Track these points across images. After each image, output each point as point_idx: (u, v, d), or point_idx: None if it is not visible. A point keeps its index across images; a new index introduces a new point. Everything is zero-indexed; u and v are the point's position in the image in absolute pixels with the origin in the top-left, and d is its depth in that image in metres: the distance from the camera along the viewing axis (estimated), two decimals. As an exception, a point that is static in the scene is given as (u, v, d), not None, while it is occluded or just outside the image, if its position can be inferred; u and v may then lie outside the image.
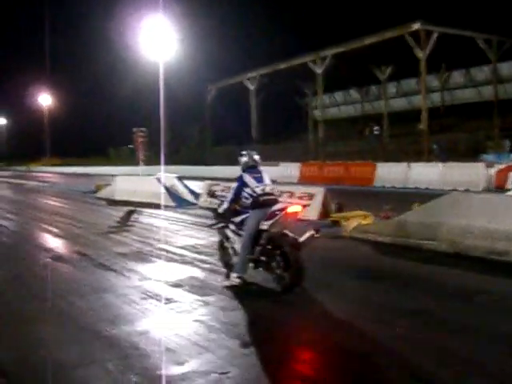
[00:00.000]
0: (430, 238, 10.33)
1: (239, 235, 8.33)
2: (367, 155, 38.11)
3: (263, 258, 7.94)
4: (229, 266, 8.75)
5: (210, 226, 9.93)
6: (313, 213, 14.95)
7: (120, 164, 56.08)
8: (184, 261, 10.34)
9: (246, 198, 8.18)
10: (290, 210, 7.92)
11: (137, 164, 27.53)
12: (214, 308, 7.28)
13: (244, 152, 8.76)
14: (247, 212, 8.17)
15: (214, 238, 10.27)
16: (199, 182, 23.43)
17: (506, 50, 36.69)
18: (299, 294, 7.69)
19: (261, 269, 8.10)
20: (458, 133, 37.81)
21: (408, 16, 36.11)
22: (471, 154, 34.25)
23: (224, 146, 52.86)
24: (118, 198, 22.93)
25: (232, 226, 8.56)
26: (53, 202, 25.03)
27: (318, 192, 15.41)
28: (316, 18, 58.95)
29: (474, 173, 23.00)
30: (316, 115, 54.06)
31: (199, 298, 7.73)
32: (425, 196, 17.79)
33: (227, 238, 8.76)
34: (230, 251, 8.67)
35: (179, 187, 21.44)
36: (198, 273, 9.30)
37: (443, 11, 41.32)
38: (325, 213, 14.83)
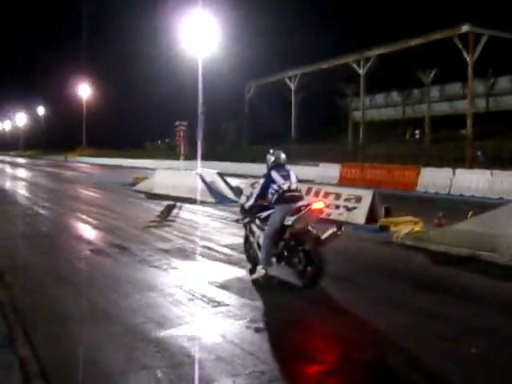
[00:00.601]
0: (489, 250, 9.78)
1: (264, 230, 8.46)
2: (408, 159, 37.30)
3: (286, 253, 8.18)
4: (253, 260, 8.97)
5: (236, 221, 10.47)
6: (360, 216, 14.46)
7: (157, 158, 56.03)
8: (230, 261, 9.97)
9: (272, 194, 8.41)
10: (314, 206, 8.10)
11: (176, 158, 27.32)
12: (263, 313, 6.90)
13: (271, 151, 9.06)
14: (273, 208, 8.38)
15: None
16: (239, 179, 23.11)
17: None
18: (354, 304, 7.27)
19: (283, 263, 8.24)
20: (502, 140, 36.83)
21: (456, 18, 35.25)
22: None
23: (262, 145, 52.50)
24: (156, 191, 22.72)
25: (257, 221, 8.76)
26: (91, 193, 24.91)
27: (366, 195, 14.87)
28: (361, 18, 57.94)
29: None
30: (356, 116, 53.34)
31: (249, 301, 7.36)
32: (474, 204, 17.25)
33: (253, 233, 8.93)
34: (255, 246, 8.81)
35: (220, 183, 21.12)
36: (245, 274, 8.91)
37: (493, 14, 40.29)
38: (373, 217, 14.30)
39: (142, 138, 79.42)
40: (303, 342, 6.01)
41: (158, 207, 18.47)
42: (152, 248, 11.16)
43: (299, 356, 5.59)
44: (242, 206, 9.24)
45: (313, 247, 7.81)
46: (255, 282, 8.45)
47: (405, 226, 12.64)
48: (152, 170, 30.36)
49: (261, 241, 8.50)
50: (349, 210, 14.91)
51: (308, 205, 8.09)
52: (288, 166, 8.91)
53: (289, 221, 8.09)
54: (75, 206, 19.52)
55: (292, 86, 50.65)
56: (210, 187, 20.43)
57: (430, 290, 8.20)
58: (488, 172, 23.87)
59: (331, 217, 15.14)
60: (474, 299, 7.73)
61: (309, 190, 16.60)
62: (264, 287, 8.19)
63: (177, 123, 26.35)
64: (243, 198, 9.28)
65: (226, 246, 11.36)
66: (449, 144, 38.93)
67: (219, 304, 7.20)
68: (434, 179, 25.68)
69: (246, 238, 9.23)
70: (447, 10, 44.12)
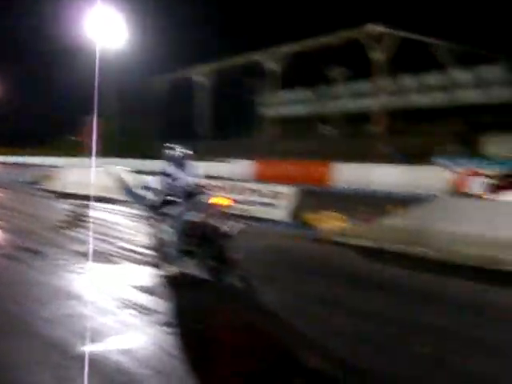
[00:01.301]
0: (418, 244, 9.68)
1: (171, 226, 8.40)
2: (319, 155, 37.61)
3: (195, 249, 8.13)
4: (163, 258, 8.72)
5: (145, 218, 9.95)
6: (282, 213, 14.16)
7: (64, 154, 54.05)
8: (152, 262, 9.31)
9: (178, 190, 8.45)
10: (219, 201, 8.23)
11: (85, 155, 26.23)
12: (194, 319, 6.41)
13: (174, 146, 8.97)
14: (179, 203, 8.40)
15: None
16: (151, 176, 22.33)
17: (460, 57, 36.69)
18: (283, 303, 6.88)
19: (192, 259, 8.21)
20: (410, 136, 37.73)
21: (365, 17, 35.74)
22: (424, 157, 34.17)
23: (172, 140, 51.60)
24: (67, 190, 21.71)
25: (165, 218, 8.66)
26: (-5, 194, 23.51)
27: (288, 190, 14.58)
28: (272, 15, 57.83)
29: (436, 176, 22.63)
30: (268, 113, 53.40)
31: (176, 308, 6.85)
32: (391, 199, 17.33)
33: (160, 230, 8.82)
34: (163, 242, 8.69)
35: (131, 181, 20.29)
36: (170, 277, 8.38)
37: (401, 14, 41.09)
38: (296, 213, 14.01)
39: (47, 134, 76.32)
40: (242, 349, 5.57)
41: (69, 207, 17.56)
42: (68, 251, 10.40)
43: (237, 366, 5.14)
44: (149, 203, 9.19)
45: (221, 242, 7.82)
46: (170, 280, 8.13)
47: (330, 222, 12.44)
48: (59, 167, 29.05)
49: (169, 237, 8.44)
50: (270, 206, 14.61)
51: (214, 200, 8.23)
52: (192, 162, 8.91)
53: (196, 216, 8.12)
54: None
55: (202, 81, 50.03)
56: (123, 185, 19.64)
57: (365, 287, 7.96)
58: (401, 167, 24.25)
59: (252, 213, 14.81)
60: (407, 295, 7.59)
61: (227, 186, 16.21)
62: (182, 286, 7.88)
63: (85, 118, 25.28)
64: (150, 195, 9.17)
65: (145, 246, 10.66)
66: (358, 140, 39.52)
67: (150, 312, 6.62)
68: (349, 174, 25.87)
69: (154, 235, 9.11)
70: (357, 9, 44.60)
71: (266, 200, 14.77)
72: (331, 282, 8.30)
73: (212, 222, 8.01)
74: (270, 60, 41.61)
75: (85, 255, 9.97)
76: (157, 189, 8.87)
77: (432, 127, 38.80)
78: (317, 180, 26.82)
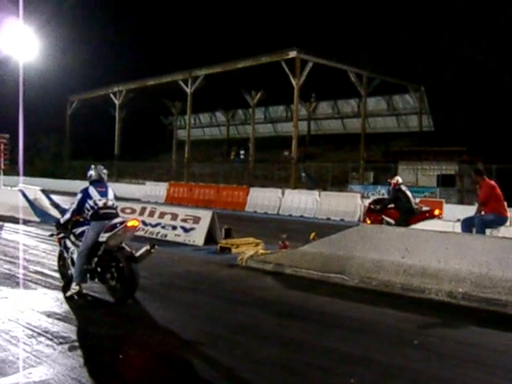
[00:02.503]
0: (338, 272, 9.69)
1: (78, 246, 8.43)
2: (233, 179, 37.77)
3: (99, 269, 8.22)
4: (67, 277, 8.80)
5: (51, 235, 9.99)
6: (198, 238, 13.95)
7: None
8: (61, 286, 8.90)
9: (88, 210, 8.36)
10: (129, 223, 8.10)
11: None
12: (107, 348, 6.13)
13: (93, 166, 9.00)
14: (88, 223, 8.38)
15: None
16: (63, 196, 21.72)
17: (375, 86, 37.68)
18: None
19: (97, 279, 8.31)
20: (323, 162, 38.43)
21: (284, 43, 36.14)
22: (337, 183, 34.81)
23: (83, 160, 50.64)
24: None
25: (72, 237, 8.69)
26: None
27: (205, 215, 14.38)
28: (189, 37, 57.75)
29: (350, 203, 23.01)
30: (181, 135, 53.21)
31: (91, 336, 6.57)
32: (303, 224, 17.46)
33: (67, 249, 8.78)
34: (69, 261, 8.70)
35: (44, 201, 19.57)
36: (84, 302, 8.12)
37: (320, 42, 41.91)
38: (211, 238, 13.86)
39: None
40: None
41: (-26, 227, 16.74)
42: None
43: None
44: (58, 221, 9.04)
45: (126, 264, 7.89)
46: (77, 303, 8.01)
47: (246, 248, 12.34)
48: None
49: (75, 257, 8.40)
50: (186, 230, 14.37)
51: (123, 222, 8.11)
52: (107, 183, 8.98)
53: (103, 237, 8.07)
54: None
55: (116, 101, 49.22)
56: (34, 205, 18.90)
57: (284, 316, 7.74)
58: (316, 193, 24.55)
59: (167, 238, 14.58)
60: (327, 323, 7.45)
61: (143, 210, 15.94)
62: (91, 309, 7.81)
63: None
64: (58, 214, 9.45)
65: (55, 269, 10.25)
66: (274, 165, 39.90)
67: (65, 341, 6.28)
68: (262, 199, 25.94)
69: (60, 255, 9.07)
70: (276, 35, 45.24)
71: (184, 225, 14.53)
72: (244, 309, 8.18)
73: (116, 243, 8.09)
74: (188, 81, 41.28)
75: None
76: (66, 208, 8.90)
77: (344, 153, 39.74)
78: (233, 204, 26.83)
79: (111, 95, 49.44)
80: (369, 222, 14.58)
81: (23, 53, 32.30)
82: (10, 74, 36.97)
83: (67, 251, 8.74)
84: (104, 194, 8.50)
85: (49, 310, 7.58)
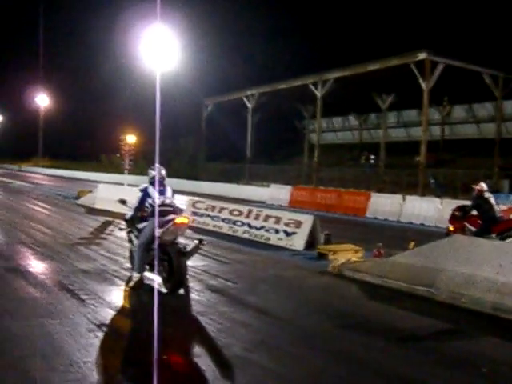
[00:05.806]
0: (427, 285, 9.21)
1: (138, 240, 9.17)
2: (361, 184, 37.13)
3: (154, 262, 8.73)
4: (131, 267, 9.56)
5: (120, 230, 11.36)
6: (299, 242, 13.86)
7: (111, 171, 54.81)
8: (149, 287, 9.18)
9: (147, 208, 9.10)
10: (178, 220, 8.70)
11: (130, 173, 26.49)
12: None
13: (153, 166, 9.64)
14: (149, 220, 8.98)
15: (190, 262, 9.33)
16: (186, 197, 22.31)
17: (511, 88, 35.71)
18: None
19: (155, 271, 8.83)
20: (456, 168, 36.87)
21: (414, 45, 35.11)
22: (468, 191, 33.27)
23: (217, 162, 51.91)
24: (97, 206, 21.88)
25: (135, 232, 9.46)
26: (30, 205, 23.86)
27: (306, 220, 14.26)
28: (320, 41, 57.80)
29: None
30: (312, 139, 53.15)
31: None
32: (421, 233, 16.84)
33: (132, 242, 9.64)
34: (133, 254, 9.41)
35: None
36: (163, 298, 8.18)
37: (451, 43, 40.43)
38: (312, 243, 13.70)
39: (98, 151, 77.86)
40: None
41: (94, 223, 17.65)
42: (72, 268, 10.40)
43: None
44: (125, 217, 9.86)
45: (175, 258, 8.55)
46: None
47: (343, 255, 12.09)
48: (98, 183, 29.41)
49: (136, 249, 9.15)
50: (288, 234, 14.32)
51: (174, 219, 8.69)
52: (166, 182, 9.55)
53: (158, 232, 8.64)
54: (9, 217, 18.55)
55: (249, 105, 50.03)
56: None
57: (357, 330, 7.40)
58: (438, 200, 23.57)
59: (270, 241, 14.58)
60: (403, 343, 6.97)
61: (249, 212, 16.04)
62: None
63: (122, 137, 25.60)
64: (127, 209, 9.90)
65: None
66: (403, 170, 38.84)
67: (121, 336, 6.44)
68: (384, 205, 25.25)
69: (130, 248, 9.89)
70: (405, 37, 44.16)
71: (286, 228, 14.49)
72: (314, 316, 7.99)
73: (170, 238, 8.70)
74: (318, 85, 41.19)
75: (87, 273, 9.96)
76: (133, 205, 9.44)
77: (478, 160, 37.92)
78: (353, 209, 26.39)
79: (244, 98, 50.29)
80: (452, 229, 13.96)
81: (162, 58, 33.67)
82: (148, 78, 38.53)
83: (132, 244, 9.61)
84: (162, 193, 9.16)
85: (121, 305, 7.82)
